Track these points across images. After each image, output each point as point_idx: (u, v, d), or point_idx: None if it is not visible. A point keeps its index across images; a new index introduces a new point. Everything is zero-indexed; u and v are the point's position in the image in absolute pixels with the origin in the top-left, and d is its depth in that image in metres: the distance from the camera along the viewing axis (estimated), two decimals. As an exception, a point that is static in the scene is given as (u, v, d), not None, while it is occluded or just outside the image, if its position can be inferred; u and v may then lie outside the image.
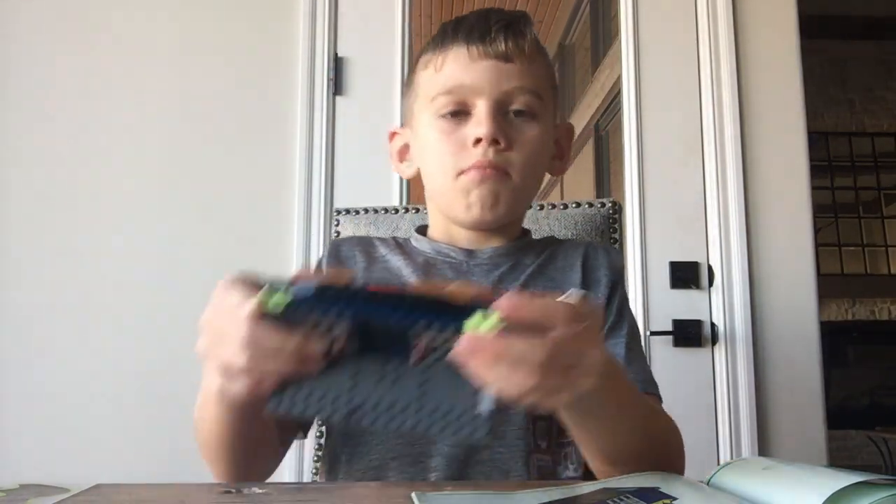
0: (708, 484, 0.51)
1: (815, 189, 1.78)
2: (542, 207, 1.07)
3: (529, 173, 0.79)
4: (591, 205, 1.07)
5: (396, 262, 0.84)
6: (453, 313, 0.46)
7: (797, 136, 1.78)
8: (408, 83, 0.87)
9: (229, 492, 0.52)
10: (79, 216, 1.71)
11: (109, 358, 1.65)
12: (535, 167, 0.80)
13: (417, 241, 0.87)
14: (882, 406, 4.51)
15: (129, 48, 1.78)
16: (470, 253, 0.83)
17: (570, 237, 1.03)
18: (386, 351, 0.48)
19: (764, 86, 1.79)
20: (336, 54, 1.79)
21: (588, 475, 0.67)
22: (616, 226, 1.06)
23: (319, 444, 0.95)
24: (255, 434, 0.66)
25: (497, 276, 0.81)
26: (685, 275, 1.71)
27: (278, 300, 0.50)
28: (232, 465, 0.66)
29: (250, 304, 0.52)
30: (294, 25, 1.79)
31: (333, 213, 1.14)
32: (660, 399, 0.78)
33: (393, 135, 0.89)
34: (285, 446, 0.77)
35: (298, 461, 1.52)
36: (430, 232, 0.87)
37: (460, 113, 0.77)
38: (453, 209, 0.80)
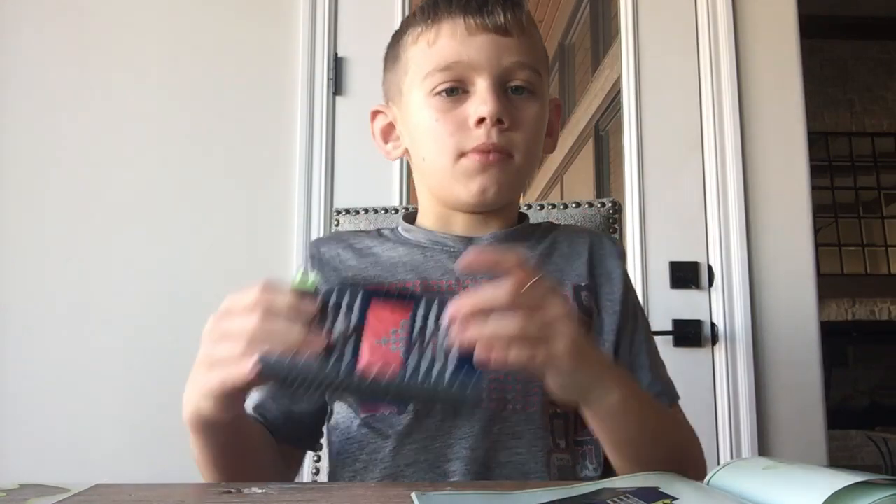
0: (708, 484, 0.51)
1: (815, 189, 1.78)
2: (542, 207, 1.07)
3: (531, 153, 0.76)
4: (591, 205, 1.07)
5: (388, 255, 0.80)
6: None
7: (797, 136, 1.77)
8: (392, 57, 0.82)
9: (229, 492, 0.52)
10: (78, 216, 1.71)
11: (109, 358, 1.65)
12: (537, 146, 0.78)
13: (408, 231, 0.82)
14: (882, 406, 4.51)
15: (128, 48, 1.78)
16: (468, 240, 0.79)
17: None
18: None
19: (764, 86, 1.79)
20: (336, 54, 1.79)
21: (607, 474, 0.67)
22: (616, 226, 1.06)
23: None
24: (246, 453, 0.65)
25: None
26: (685, 275, 1.71)
27: (314, 279, 0.54)
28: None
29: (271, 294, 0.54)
30: (294, 25, 1.79)
31: (333, 213, 1.14)
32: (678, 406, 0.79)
33: (375, 113, 0.84)
34: (291, 462, 0.76)
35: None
36: (422, 219, 0.83)
37: (457, 90, 0.73)
38: (453, 191, 0.76)
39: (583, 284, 0.77)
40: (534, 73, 0.75)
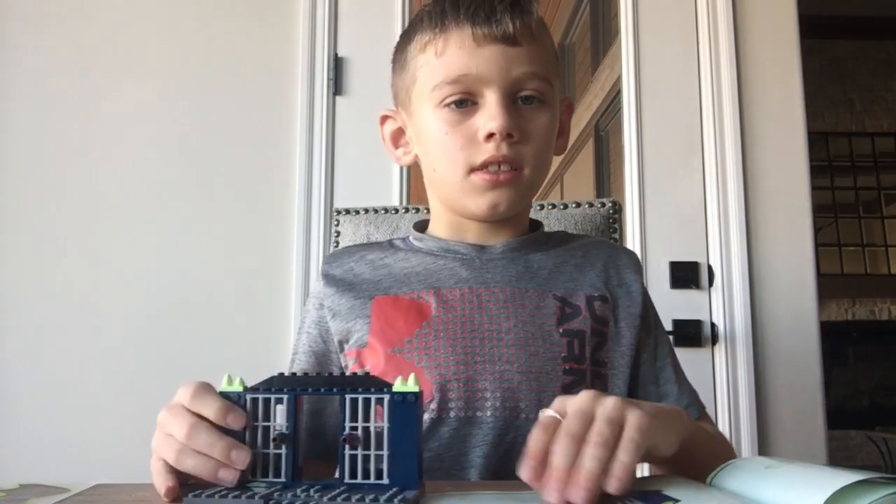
0: (710, 483, 0.51)
1: (815, 189, 1.78)
2: (542, 207, 1.07)
3: (541, 163, 0.76)
4: (591, 205, 1.07)
5: (400, 265, 0.80)
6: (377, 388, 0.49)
7: (797, 136, 1.78)
8: (399, 61, 0.80)
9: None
10: (78, 216, 1.71)
11: (110, 358, 1.65)
12: (547, 156, 0.77)
13: (420, 240, 0.82)
14: (882, 406, 4.51)
15: (128, 48, 1.78)
16: (481, 248, 0.79)
17: (570, 237, 1.02)
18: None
19: (764, 86, 1.79)
20: (336, 54, 1.79)
21: None
22: (616, 226, 1.06)
23: None
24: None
25: (514, 273, 0.77)
26: (685, 275, 1.71)
27: (240, 381, 0.52)
28: None
29: (199, 404, 0.51)
30: (294, 25, 1.79)
31: (333, 213, 1.14)
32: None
33: (384, 118, 0.84)
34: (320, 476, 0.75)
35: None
36: (434, 227, 0.84)
37: (466, 102, 0.73)
38: (464, 205, 0.77)
39: (596, 295, 0.77)
40: (543, 82, 0.74)
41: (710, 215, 1.74)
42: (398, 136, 0.83)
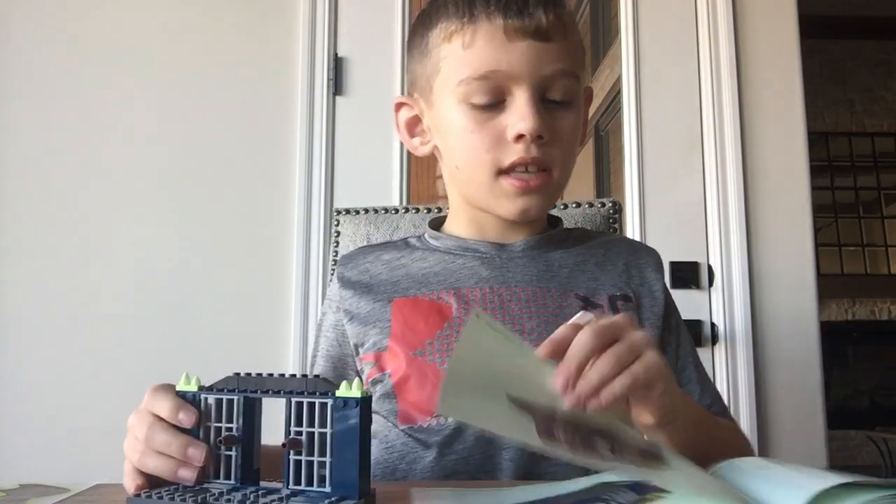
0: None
1: (815, 189, 1.78)
2: (542, 207, 1.07)
3: (568, 164, 0.74)
4: (591, 205, 1.07)
5: (418, 265, 0.78)
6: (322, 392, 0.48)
7: (797, 136, 1.77)
8: (419, 46, 0.75)
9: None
10: (78, 216, 1.71)
11: (109, 358, 1.65)
12: (573, 156, 0.75)
13: (437, 239, 0.80)
14: (882, 406, 4.51)
15: (128, 48, 1.78)
16: (501, 247, 0.77)
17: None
18: None
19: (764, 86, 1.79)
20: (336, 54, 1.79)
21: None
22: (616, 226, 1.06)
23: None
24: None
25: (535, 272, 0.76)
26: (685, 275, 1.71)
27: (196, 380, 0.52)
28: None
29: (157, 407, 0.51)
30: (294, 25, 1.79)
31: (333, 213, 1.14)
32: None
33: (399, 105, 0.80)
34: None
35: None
36: (451, 224, 0.81)
37: (494, 100, 0.70)
38: (490, 206, 0.74)
39: (618, 294, 0.76)
40: (572, 80, 0.71)
41: (710, 215, 1.74)
42: (414, 125, 0.80)
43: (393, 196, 1.73)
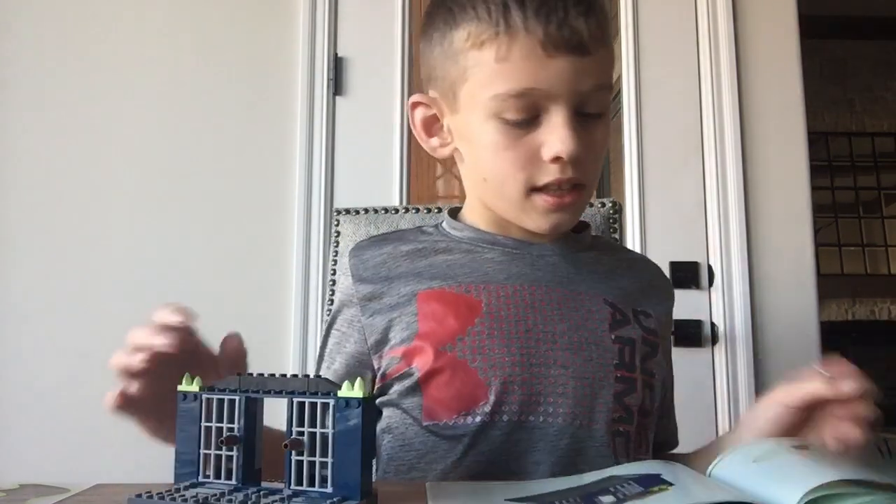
0: (708, 475, 0.51)
1: (815, 189, 1.78)
2: (542, 207, 1.07)
3: (598, 173, 0.73)
4: (591, 205, 1.07)
5: (443, 258, 0.75)
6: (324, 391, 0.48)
7: (797, 136, 1.77)
8: (440, 44, 0.70)
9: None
10: (79, 216, 1.71)
11: (110, 357, 1.65)
12: (602, 164, 0.74)
13: (459, 230, 0.77)
14: (882, 406, 4.50)
15: (128, 48, 1.78)
16: (529, 244, 0.75)
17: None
18: None
19: (764, 86, 1.79)
20: (336, 54, 1.79)
21: None
22: (616, 226, 1.06)
23: None
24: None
25: (565, 274, 0.74)
26: (685, 275, 1.71)
27: (197, 380, 0.53)
28: None
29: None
30: (294, 25, 1.79)
31: (333, 213, 1.14)
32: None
33: (416, 105, 0.76)
34: None
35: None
36: (471, 216, 0.78)
37: (528, 117, 0.66)
38: (520, 220, 0.72)
39: (639, 309, 0.76)
40: (607, 92, 0.69)
41: (710, 215, 1.74)
42: (431, 124, 0.76)
43: (393, 196, 1.73)
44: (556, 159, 0.66)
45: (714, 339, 1.69)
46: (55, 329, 1.66)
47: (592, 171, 0.70)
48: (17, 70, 1.76)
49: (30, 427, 1.63)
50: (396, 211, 1.11)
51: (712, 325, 1.70)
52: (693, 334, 1.68)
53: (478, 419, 0.66)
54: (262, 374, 0.50)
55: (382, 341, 0.73)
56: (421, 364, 0.69)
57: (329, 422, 0.47)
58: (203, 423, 0.50)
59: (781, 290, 1.71)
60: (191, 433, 0.50)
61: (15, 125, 1.74)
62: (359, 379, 0.47)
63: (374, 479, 0.75)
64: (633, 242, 1.73)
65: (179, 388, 0.52)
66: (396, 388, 0.71)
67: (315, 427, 0.47)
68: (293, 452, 0.47)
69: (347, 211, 1.12)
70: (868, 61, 4.81)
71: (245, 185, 1.74)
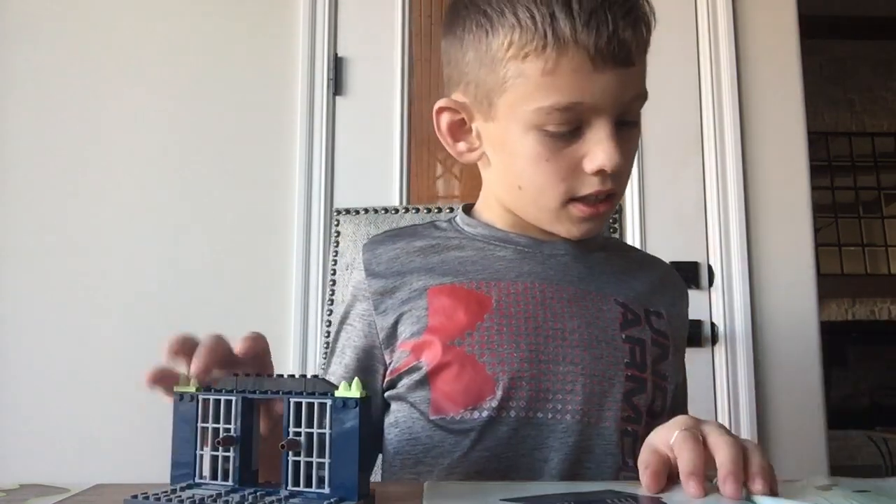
0: None
1: (815, 189, 1.78)
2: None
3: (629, 178, 0.73)
4: (591, 205, 1.07)
5: (455, 254, 0.75)
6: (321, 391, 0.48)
7: (797, 136, 1.77)
8: (474, 47, 0.68)
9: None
10: (79, 216, 1.71)
11: (110, 358, 1.65)
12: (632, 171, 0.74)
13: (473, 227, 0.77)
14: (882, 406, 4.50)
15: (128, 48, 1.78)
16: (542, 242, 0.75)
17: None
18: None
19: (764, 86, 1.79)
20: (336, 54, 1.79)
21: None
22: (616, 226, 1.06)
23: None
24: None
25: (576, 273, 0.74)
26: (685, 275, 1.71)
27: (194, 383, 0.53)
28: None
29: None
30: (294, 25, 1.79)
31: (333, 213, 1.14)
32: None
33: (442, 110, 0.74)
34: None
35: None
36: (485, 213, 0.78)
37: (571, 129, 0.66)
38: (551, 225, 0.72)
39: (651, 310, 0.76)
40: (643, 101, 0.69)
41: (710, 215, 1.74)
42: (458, 128, 0.74)
43: (393, 196, 1.73)
44: (599, 171, 0.66)
45: (714, 339, 1.69)
46: (55, 330, 1.66)
47: (626, 179, 0.71)
48: (16, 70, 1.76)
49: (30, 427, 1.63)
50: (396, 211, 1.11)
51: (712, 325, 1.70)
52: (693, 334, 1.68)
53: (485, 414, 0.67)
54: (259, 375, 0.50)
55: (393, 335, 0.73)
56: (429, 358, 0.69)
57: (326, 422, 0.47)
58: (199, 424, 0.50)
59: (781, 290, 1.71)
60: (187, 434, 0.50)
61: (15, 125, 1.74)
62: (356, 379, 0.47)
63: (379, 472, 0.75)
64: (632, 242, 1.72)
65: (175, 388, 0.52)
66: (405, 381, 0.71)
67: (312, 427, 0.47)
68: (290, 453, 0.47)
69: (347, 211, 1.12)
70: (868, 61, 4.81)
71: (245, 185, 1.74)
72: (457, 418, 0.68)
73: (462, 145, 0.75)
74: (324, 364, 0.86)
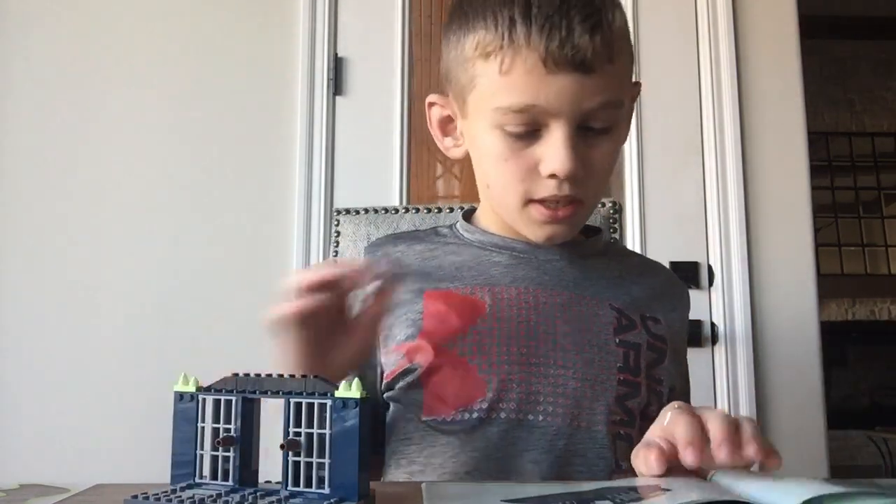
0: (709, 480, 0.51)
1: (815, 189, 1.78)
2: (542, 207, 1.07)
3: (601, 191, 0.72)
4: (591, 205, 1.07)
5: (451, 259, 0.77)
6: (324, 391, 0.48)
7: (797, 136, 1.77)
8: (456, 47, 0.70)
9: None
10: (79, 216, 1.71)
11: (110, 357, 1.65)
12: (607, 181, 0.73)
13: (471, 232, 0.79)
14: (882, 406, 4.50)
15: (128, 48, 1.78)
16: (537, 247, 0.76)
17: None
18: None
19: (764, 86, 1.79)
20: (336, 54, 1.79)
21: None
22: (616, 226, 1.06)
23: None
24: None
25: (571, 278, 0.75)
26: (685, 275, 1.71)
27: (194, 380, 0.51)
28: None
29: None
30: (294, 25, 1.79)
31: (333, 213, 1.14)
32: None
33: (431, 104, 0.77)
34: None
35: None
36: (484, 218, 0.80)
37: (529, 130, 0.67)
38: (517, 226, 0.74)
39: (647, 315, 0.76)
40: (614, 109, 0.67)
41: (710, 215, 1.74)
42: (446, 124, 0.77)
43: (393, 196, 1.73)
44: (552, 176, 0.67)
45: (714, 339, 1.69)
46: (55, 330, 1.66)
47: (592, 186, 0.70)
48: (16, 71, 1.76)
49: (30, 427, 1.63)
50: (396, 211, 1.11)
51: (712, 325, 1.70)
52: (693, 334, 1.68)
53: (475, 416, 0.68)
54: (258, 375, 0.50)
55: (388, 337, 0.74)
56: (422, 361, 0.70)
57: (326, 422, 0.47)
58: (199, 424, 0.50)
59: (781, 290, 1.71)
60: (187, 434, 0.50)
61: (15, 125, 1.74)
62: (356, 379, 0.47)
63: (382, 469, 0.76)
64: (633, 242, 1.73)
65: (175, 388, 0.52)
66: (400, 383, 0.73)
67: (312, 428, 0.47)
68: (290, 453, 0.47)
69: (347, 211, 1.12)
70: (868, 61, 4.81)
71: (245, 185, 1.74)
72: (448, 420, 0.69)
73: (449, 140, 0.78)
74: None
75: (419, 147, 1.81)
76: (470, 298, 0.72)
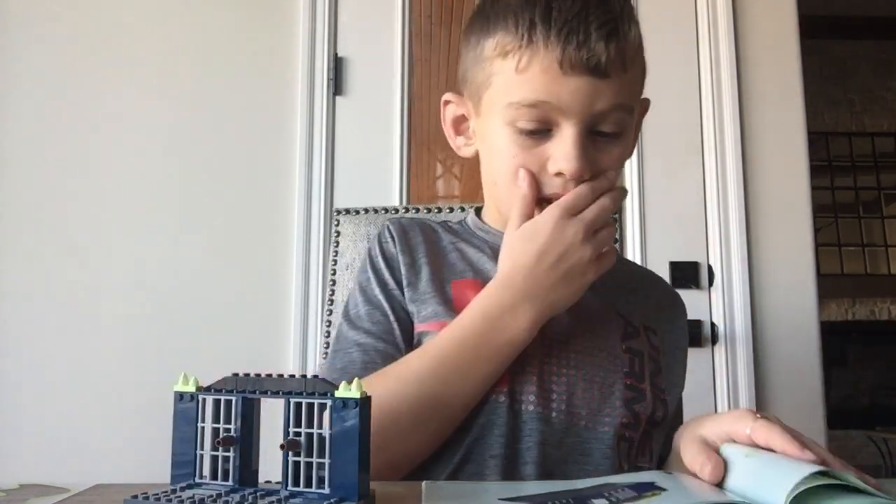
0: None
1: (815, 189, 1.78)
2: (542, 207, 1.07)
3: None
4: (591, 205, 1.07)
5: (473, 252, 0.78)
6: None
7: (797, 136, 1.78)
8: (475, 47, 0.72)
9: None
10: (79, 216, 1.71)
11: (110, 358, 1.65)
12: (615, 181, 0.73)
13: (484, 231, 0.81)
14: (882, 406, 4.50)
15: (128, 48, 1.78)
16: None
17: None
18: None
19: (764, 86, 1.79)
20: (336, 54, 1.79)
21: None
22: (616, 226, 1.06)
23: None
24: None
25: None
26: (685, 275, 1.71)
27: (194, 381, 0.51)
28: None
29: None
30: (294, 25, 1.79)
31: (333, 213, 1.14)
32: None
33: (447, 102, 0.79)
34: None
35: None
36: (492, 218, 0.81)
37: (540, 128, 0.68)
38: None
39: (648, 326, 0.78)
40: (625, 113, 0.69)
41: (710, 215, 1.74)
42: (459, 123, 0.79)
43: (393, 196, 1.73)
44: (559, 174, 0.68)
45: (714, 339, 1.69)
46: (55, 330, 1.66)
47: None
48: (16, 71, 1.76)
49: (30, 427, 1.63)
50: (396, 211, 1.11)
51: (712, 325, 1.70)
52: (693, 334, 1.68)
53: (494, 405, 0.68)
54: (258, 375, 0.50)
55: (414, 314, 0.75)
56: None
57: (326, 422, 0.47)
58: (199, 424, 0.50)
59: (781, 290, 1.71)
60: (187, 434, 0.50)
61: (15, 125, 1.74)
62: (356, 379, 0.47)
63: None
64: (633, 242, 1.73)
65: (175, 388, 0.52)
66: None
67: (312, 428, 0.47)
68: (290, 453, 0.47)
69: (347, 211, 1.12)
70: (868, 61, 4.81)
71: (245, 185, 1.74)
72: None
73: (461, 139, 0.79)
74: (323, 364, 0.86)
75: (419, 147, 1.81)
76: None
